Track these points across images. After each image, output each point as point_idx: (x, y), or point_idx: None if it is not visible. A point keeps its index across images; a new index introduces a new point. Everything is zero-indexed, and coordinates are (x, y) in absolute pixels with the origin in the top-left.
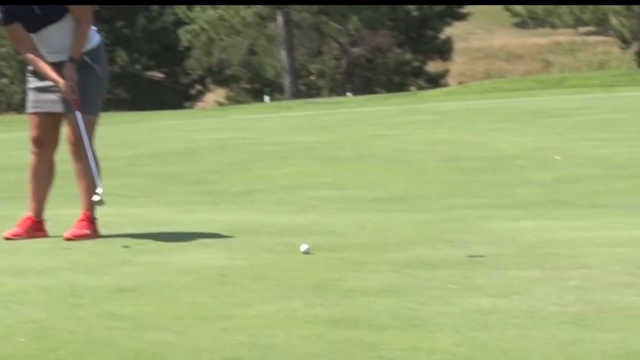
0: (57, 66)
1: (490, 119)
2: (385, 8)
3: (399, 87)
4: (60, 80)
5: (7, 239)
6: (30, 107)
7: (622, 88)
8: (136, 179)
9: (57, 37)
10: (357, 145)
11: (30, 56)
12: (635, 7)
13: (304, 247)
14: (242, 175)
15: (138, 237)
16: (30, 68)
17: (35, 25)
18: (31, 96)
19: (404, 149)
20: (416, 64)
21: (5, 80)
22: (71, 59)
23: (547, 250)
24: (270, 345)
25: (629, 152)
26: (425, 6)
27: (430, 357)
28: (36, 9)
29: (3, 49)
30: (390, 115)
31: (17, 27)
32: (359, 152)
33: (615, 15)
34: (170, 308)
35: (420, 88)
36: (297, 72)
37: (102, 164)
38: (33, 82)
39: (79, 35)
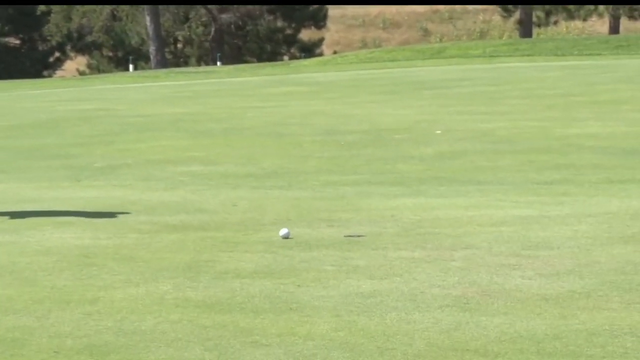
0: None
1: (368, 91)
2: None
3: (271, 56)
4: None
5: None
6: None
7: (503, 58)
8: None
9: None
10: (228, 118)
11: None
12: None
13: (283, 231)
14: (106, 148)
15: None
16: None
17: None
18: None
19: (278, 122)
20: (289, 31)
21: None
22: None
23: (429, 229)
24: (138, 331)
25: (512, 126)
26: None
27: (308, 342)
28: None
29: None
30: (263, 86)
31: None
32: (230, 125)
33: None
34: (30, 291)
35: (293, 57)
36: (163, 40)
37: None
38: None
39: None
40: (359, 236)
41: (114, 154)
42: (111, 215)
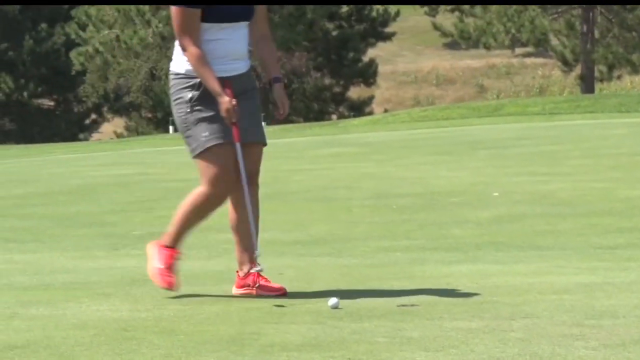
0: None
1: (421, 151)
2: (301, 27)
3: (319, 115)
4: (226, 98)
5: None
6: (211, 140)
7: (564, 116)
8: (26, 221)
9: (241, 37)
10: (274, 181)
11: (197, 53)
12: (577, 26)
13: (332, 301)
14: (145, 215)
15: (29, 287)
16: (185, 94)
17: (230, 11)
18: (204, 127)
19: (325, 186)
20: (337, 89)
21: None
22: (280, 79)
23: (487, 297)
24: None
25: (573, 187)
26: (345, 25)
27: None
28: None
29: None
30: (310, 147)
31: (197, 13)
32: (277, 189)
33: (556, 35)
34: None
35: (342, 117)
36: None
37: None
38: (203, 112)
39: (274, 48)
40: (412, 305)
41: (154, 221)
42: (150, 286)
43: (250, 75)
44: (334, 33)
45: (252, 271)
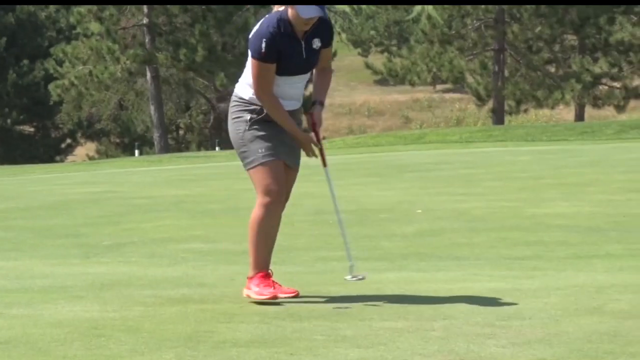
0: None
1: (355, 174)
2: None
3: None
4: (301, 133)
5: (274, 297)
6: (266, 156)
7: (478, 144)
8: (8, 232)
9: (300, 85)
10: (227, 199)
11: (272, 101)
12: (489, 66)
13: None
14: (114, 228)
15: (10, 290)
16: (245, 115)
17: (296, 68)
18: (261, 144)
19: None
20: None
21: None
22: (321, 103)
23: (411, 301)
24: None
25: (486, 206)
26: None
27: None
28: (304, 52)
29: None
30: None
31: (272, 67)
32: (229, 206)
33: (471, 74)
34: None
35: None
36: (166, 127)
37: None
38: (259, 131)
39: (329, 80)
40: (346, 308)
41: (121, 233)
42: (118, 289)
43: (298, 113)
44: None
45: (352, 280)
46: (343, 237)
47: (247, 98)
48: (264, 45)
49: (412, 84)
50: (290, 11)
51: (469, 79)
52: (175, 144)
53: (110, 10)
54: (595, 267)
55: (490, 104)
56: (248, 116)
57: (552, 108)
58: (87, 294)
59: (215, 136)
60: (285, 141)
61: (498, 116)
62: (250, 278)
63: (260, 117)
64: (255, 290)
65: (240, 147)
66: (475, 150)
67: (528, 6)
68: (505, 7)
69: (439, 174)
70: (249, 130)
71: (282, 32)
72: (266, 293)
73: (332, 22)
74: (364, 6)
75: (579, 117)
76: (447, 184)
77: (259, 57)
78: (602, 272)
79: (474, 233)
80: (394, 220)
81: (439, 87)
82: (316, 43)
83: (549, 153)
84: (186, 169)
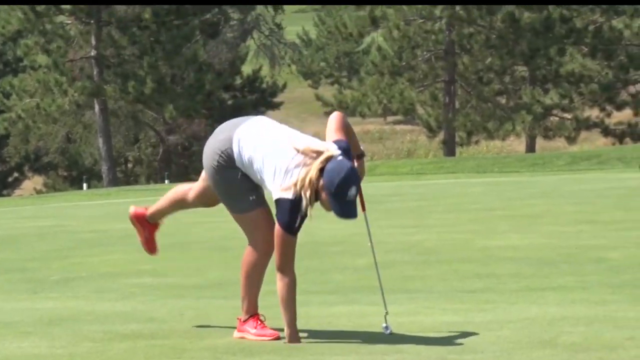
0: None
1: None
2: (200, 97)
3: None
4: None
5: (276, 338)
6: (261, 204)
7: (429, 175)
8: None
9: None
10: (176, 233)
11: (290, 283)
12: (440, 98)
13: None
14: (62, 263)
15: None
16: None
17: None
18: (251, 193)
19: (222, 236)
20: None
21: None
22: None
23: (363, 335)
24: None
25: (438, 238)
26: (239, 95)
27: None
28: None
29: None
30: None
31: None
32: (177, 240)
33: (422, 105)
34: None
35: None
36: (115, 160)
37: None
38: (249, 183)
39: (346, 122)
40: (298, 343)
41: (69, 267)
42: (67, 325)
43: None
44: (230, 102)
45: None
46: (379, 284)
47: (241, 169)
48: (298, 221)
49: (363, 116)
50: (327, 198)
51: (420, 110)
52: (123, 177)
53: (57, 42)
54: (547, 299)
55: (441, 136)
56: (239, 173)
57: (503, 139)
58: (35, 329)
59: (164, 169)
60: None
61: (449, 148)
62: (244, 321)
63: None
64: (254, 332)
65: (228, 193)
66: (427, 182)
67: (478, 37)
68: (455, 38)
69: (390, 206)
70: (240, 178)
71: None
72: (268, 334)
73: (282, 53)
74: (314, 37)
75: (530, 148)
76: (398, 216)
77: (289, 231)
78: (554, 305)
79: (425, 265)
80: (345, 252)
81: (390, 118)
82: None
83: (500, 184)
84: (135, 203)
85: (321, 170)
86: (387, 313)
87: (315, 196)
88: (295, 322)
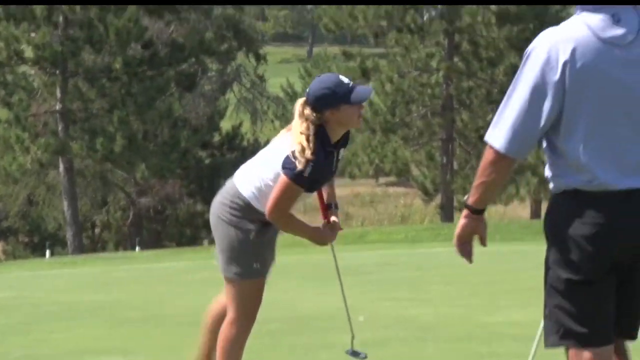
0: None
1: (290, 277)
2: (175, 155)
3: (191, 240)
4: (318, 234)
5: None
6: (262, 274)
7: (425, 243)
8: None
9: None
10: (148, 305)
11: (287, 220)
12: (437, 157)
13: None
14: (23, 339)
15: None
16: (247, 224)
17: (321, 185)
18: (256, 257)
19: (198, 309)
20: (209, 216)
21: None
22: (336, 206)
23: None
24: None
25: (436, 312)
26: (217, 154)
27: None
28: (334, 164)
29: None
30: (183, 272)
31: (302, 191)
32: (150, 313)
33: (417, 166)
34: None
35: (213, 243)
36: (81, 225)
37: None
38: (258, 246)
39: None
40: None
41: (31, 344)
42: None
43: None
44: (207, 161)
45: (350, 353)
46: (345, 310)
47: (255, 206)
48: (309, 169)
49: (353, 177)
50: (337, 114)
51: (415, 171)
52: (90, 243)
53: (19, 94)
54: None
55: (438, 199)
56: (251, 226)
57: (506, 204)
58: None
59: (135, 235)
60: (272, 245)
61: (447, 213)
62: None
63: (259, 226)
64: None
65: (233, 252)
66: (423, 251)
67: (479, 91)
68: (453, 92)
69: (382, 276)
70: (252, 240)
71: (326, 151)
72: None
73: (265, 107)
74: (299, 90)
75: (535, 214)
76: (391, 288)
77: (296, 179)
78: None
79: (422, 344)
80: (333, 328)
81: (382, 180)
82: (342, 153)
83: (502, 254)
84: (102, 272)
85: (301, 116)
86: (353, 337)
87: (326, 135)
88: None
